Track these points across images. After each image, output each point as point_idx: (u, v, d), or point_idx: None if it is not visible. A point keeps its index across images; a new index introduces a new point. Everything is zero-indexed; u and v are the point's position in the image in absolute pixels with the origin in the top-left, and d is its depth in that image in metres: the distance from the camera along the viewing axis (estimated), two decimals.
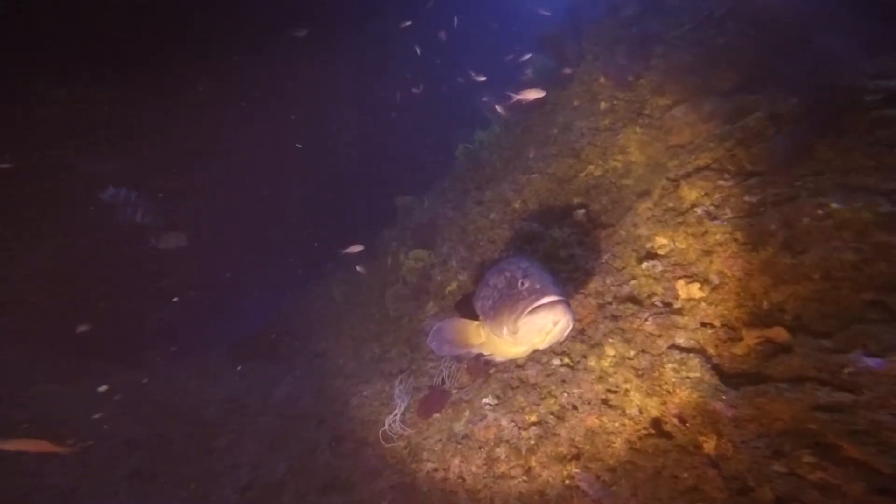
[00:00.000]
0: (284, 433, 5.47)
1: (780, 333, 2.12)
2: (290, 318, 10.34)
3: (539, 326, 2.29)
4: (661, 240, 3.34)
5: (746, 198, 2.64)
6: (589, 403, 3.22)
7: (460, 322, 3.18)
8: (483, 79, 7.57)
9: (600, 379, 3.23)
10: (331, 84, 12.70)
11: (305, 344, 8.72)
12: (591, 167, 4.97)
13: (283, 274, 13.00)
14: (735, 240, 2.55)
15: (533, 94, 4.77)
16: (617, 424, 2.90)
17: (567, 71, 5.24)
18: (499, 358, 3.45)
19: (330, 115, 13.18)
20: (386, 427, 4.40)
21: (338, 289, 9.22)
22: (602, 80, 5.27)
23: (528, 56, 6.93)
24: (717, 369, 2.31)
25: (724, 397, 2.11)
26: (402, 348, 6.03)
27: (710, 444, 2.08)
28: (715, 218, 2.77)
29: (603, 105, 5.16)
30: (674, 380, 2.44)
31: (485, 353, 3.26)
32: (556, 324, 2.26)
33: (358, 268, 7.51)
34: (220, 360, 8.31)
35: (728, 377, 2.25)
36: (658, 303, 3.01)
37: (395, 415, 4.50)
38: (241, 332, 10.25)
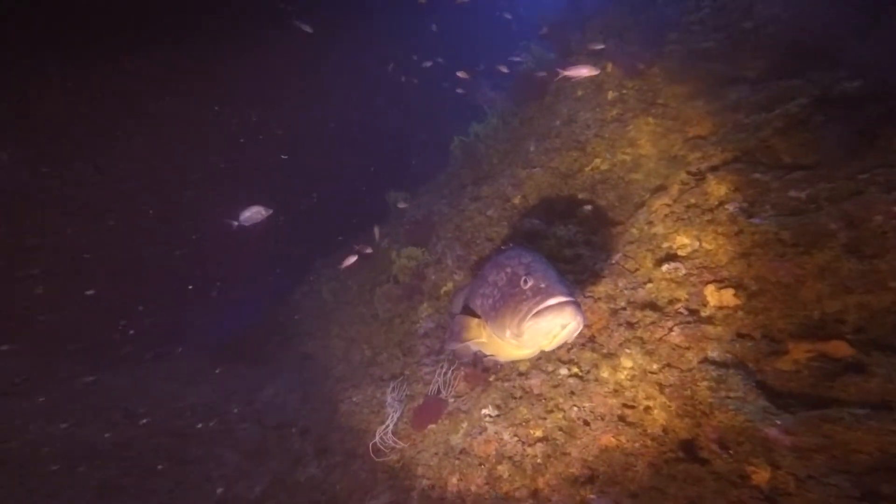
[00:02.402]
0: (266, 443, 5.09)
1: (839, 348, 1.83)
2: (277, 318, 9.91)
3: (546, 330, 2.05)
4: (682, 239, 3.04)
5: (792, 193, 2.35)
6: (602, 419, 2.92)
7: (463, 318, 2.91)
8: (506, 70, 7.16)
9: (615, 392, 2.93)
10: (319, 74, 12.27)
11: (292, 345, 8.33)
12: (598, 160, 4.68)
13: (269, 272, 12.55)
14: (780, 240, 2.26)
15: (585, 72, 4.34)
16: (637, 445, 2.60)
17: (599, 46, 4.86)
18: (502, 359, 3.18)
19: (317, 107, 12.77)
20: (377, 439, 4.06)
21: (327, 287, 8.83)
22: (609, 68, 4.96)
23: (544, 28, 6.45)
24: (762, 388, 2.02)
25: (777, 422, 1.82)
26: (393, 351, 5.68)
27: (761, 476, 1.79)
28: (752, 216, 2.48)
29: (610, 95, 4.86)
30: (710, 400, 2.14)
31: (486, 353, 2.97)
32: (564, 327, 2.02)
33: (346, 261, 7.03)
34: (199, 363, 7.86)
35: (777, 398, 1.96)
36: (683, 310, 2.71)
37: (388, 425, 4.16)
38: (225, 333, 9.81)
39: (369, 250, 6.52)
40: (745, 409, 1.95)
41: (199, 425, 5.62)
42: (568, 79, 4.63)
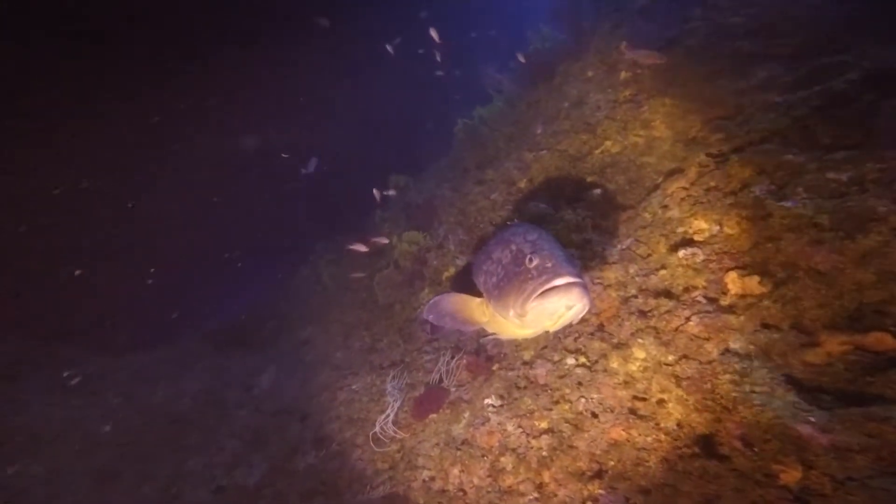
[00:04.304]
0: (264, 430, 5.01)
1: (882, 341, 1.68)
2: (276, 303, 9.80)
3: (550, 311, 1.97)
4: (700, 224, 2.87)
5: (831, 175, 2.17)
6: (612, 411, 2.80)
7: (461, 297, 2.78)
8: (523, 59, 6.79)
9: (626, 384, 2.80)
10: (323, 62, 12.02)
11: (291, 330, 8.23)
12: (609, 143, 4.48)
13: (270, 256, 12.43)
14: (816, 225, 2.09)
15: (650, 59, 4.02)
16: (650, 439, 2.47)
17: (613, 25, 4.43)
18: (504, 337, 3.07)
19: (320, 95, 12.54)
20: (377, 428, 3.95)
21: (326, 271, 8.70)
22: (624, 47, 4.73)
23: None
24: (791, 382, 1.88)
25: (811, 419, 1.68)
26: (394, 338, 5.57)
27: (790, 476, 1.66)
28: (783, 199, 2.31)
29: (623, 75, 4.64)
30: (734, 394, 2.00)
31: (488, 331, 2.86)
32: (570, 308, 1.94)
33: (356, 246, 6.70)
34: (198, 348, 7.77)
35: (807, 393, 1.82)
36: (700, 298, 2.55)
37: (388, 415, 4.05)
38: (224, 317, 9.73)
39: (385, 240, 6.20)
40: (773, 405, 1.81)
41: (198, 411, 5.54)
42: (633, 61, 4.27)
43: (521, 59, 6.66)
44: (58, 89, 7.60)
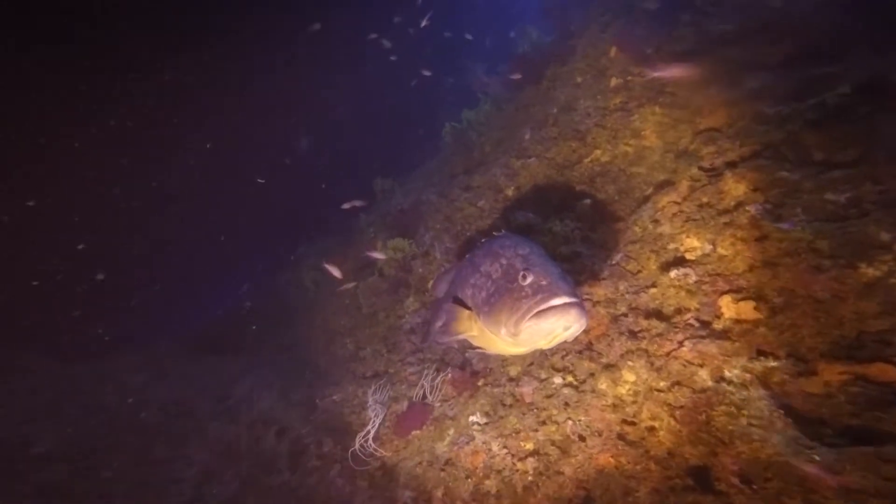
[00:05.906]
0: (238, 443, 4.79)
1: (885, 371, 1.60)
2: (257, 307, 9.52)
3: (546, 332, 1.88)
4: (692, 242, 2.79)
5: (829, 195, 2.09)
6: (600, 435, 2.69)
7: (452, 307, 2.65)
8: (519, 76, 6.61)
9: (615, 407, 2.70)
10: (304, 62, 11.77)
11: (271, 336, 7.98)
12: (598, 152, 4.39)
13: (250, 258, 12.12)
14: (816, 250, 2.01)
15: (679, 72, 3.78)
16: (639, 468, 2.37)
17: (602, 28, 4.18)
18: (492, 353, 2.96)
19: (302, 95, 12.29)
20: (357, 446, 3.79)
21: (309, 275, 8.47)
22: (613, 52, 4.65)
23: None
24: (791, 415, 1.79)
25: (815, 457, 1.58)
26: (377, 347, 5.40)
27: None
28: (780, 220, 2.23)
29: (613, 81, 4.55)
30: (730, 427, 1.90)
31: (475, 344, 2.75)
32: (567, 329, 1.85)
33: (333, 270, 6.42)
34: (172, 354, 7.47)
35: (807, 426, 1.73)
36: (693, 321, 2.46)
37: (369, 430, 3.89)
38: (201, 321, 9.41)
39: (382, 256, 5.92)
40: (773, 440, 1.72)
41: (167, 422, 5.29)
42: (659, 79, 4.04)
43: (517, 76, 6.51)
44: (30, 92, 7.25)
